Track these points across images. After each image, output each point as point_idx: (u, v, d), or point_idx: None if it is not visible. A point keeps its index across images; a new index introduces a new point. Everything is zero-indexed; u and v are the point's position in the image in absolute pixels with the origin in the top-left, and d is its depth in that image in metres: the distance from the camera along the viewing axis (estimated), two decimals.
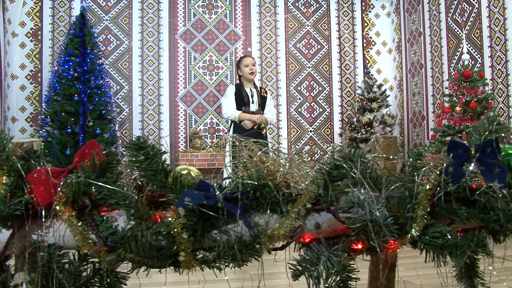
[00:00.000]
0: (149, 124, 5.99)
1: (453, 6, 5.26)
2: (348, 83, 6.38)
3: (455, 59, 5.27)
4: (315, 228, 0.90)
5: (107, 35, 5.89)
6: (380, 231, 0.85)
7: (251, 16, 6.25)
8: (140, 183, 0.89)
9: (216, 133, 6.16)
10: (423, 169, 0.90)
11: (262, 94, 4.61)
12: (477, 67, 4.91)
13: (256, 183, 0.84)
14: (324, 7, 6.36)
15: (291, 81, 6.28)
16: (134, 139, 0.83)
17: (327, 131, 6.33)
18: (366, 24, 6.41)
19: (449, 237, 0.88)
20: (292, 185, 0.88)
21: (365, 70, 6.27)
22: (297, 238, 0.89)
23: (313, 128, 6.30)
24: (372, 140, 0.98)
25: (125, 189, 0.85)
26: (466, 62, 4.43)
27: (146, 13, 6.02)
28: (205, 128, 6.12)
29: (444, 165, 0.92)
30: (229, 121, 4.64)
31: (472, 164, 0.91)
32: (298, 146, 6.19)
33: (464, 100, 4.33)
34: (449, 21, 5.34)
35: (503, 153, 1.01)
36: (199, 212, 0.85)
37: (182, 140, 6.07)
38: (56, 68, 5.35)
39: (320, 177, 0.87)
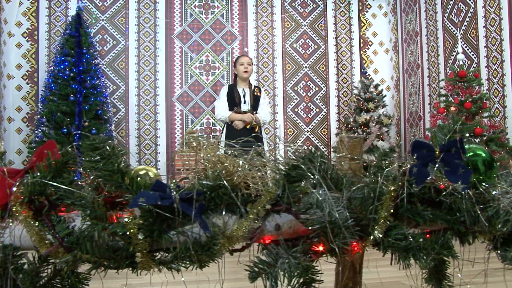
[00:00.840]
0: (146, 124, 5.99)
1: (450, 6, 5.23)
2: (345, 83, 6.36)
3: (451, 59, 5.24)
4: (275, 230, 0.88)
5: (104, 35, 5.89)
6: (340, 232, 0.83)
7: (248, 16, 6.23)
8: (98, 184, 0.88)
9: (213, 133, 6.15)
10: (386, 169, 0.89)
11: (255, 93, 4.60)
12: (473, 67, 4.89)
13: (211, 184, 0.82)
14: (321, 7, 6.34)
15: (288, 81, 6.26)
16: (90, 139, 0.82)
17: (324, 131, 6.31)
18: (363, 24, 6.39)
19: (411, 239, 0.86)
20: (252, 185, 0.86)
21: (362, 70, 6.25)
22: (257, 240, 0.87)
23: (309, 128, 6.28)
24: (337, 139, 0.96)
25: (82, 189, 0.84)
26: (461, 62, 4.40)
27: (142, 13, 6.02)
28: (201, 129, 6.12)
29: (409, 165, 0.91)
30: (222, 122, 4.64)
31: (437, 165, 0.89)
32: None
33: (459, 100, 4.30)
34: (446, 21, 5.32)
35: (471, 153, 1.00)
36: (156, 213, 0.84)
37: (178, 140, 6.07)
38: (52, 68, 5.35)
39: (280, 178, 0.86)
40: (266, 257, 0.83)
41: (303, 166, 0.81)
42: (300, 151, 0.83)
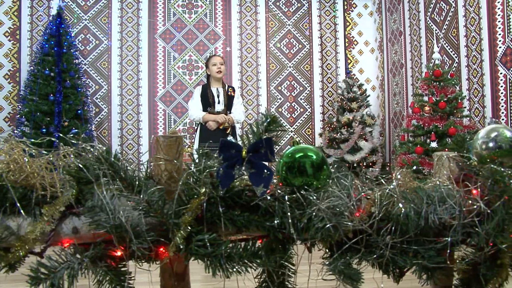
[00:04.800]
0: (128, 124, 6.00)
1: (432, 5, 5.13)
2: (329, 83, 6.29)
3: (433, 59, 5.13)
4: (73, 233, 0.85)
5: (86, 35, 5.91)
6: (127, 237, 0.79)
7: (232, 16, 6.20)
8: None
9: (195, 133, 6.12)
10: (188, 171, 0.85)
11: (229, 93, 4.57)
12: (454, 66, 4.78)
13: None
14: (306, 6, 6.27)
15: (272, 81, 6.21)
16: None
17: (308, 131, 6.25)
18: (348, 24, 6.30)
19: (209, 248, 0.82)
20: (48, 187, 0.83)
21: (346, 70, 6.17)
22: (52, 243, 0.84)
23: (294, 128, 6.22)
24: (155, 139, 0.93)
25: None
26: (436, 61, 4.30)
27: (125, 12, 6.03)
28: (184, 128, 6.10)
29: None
30: (196, 123, 4.62)
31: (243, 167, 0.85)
32: (280, 145, 6.11)
33: (433, 100, 4.21)
34: (428, 20, 5.21)
35: (301, 154, 0.95)
36: None
37: None
38: (32, 67, 5.38)
39: (72, 179, 0.83)
40: (49, 262, 0.80)
41: (83, 168, 0.77)
42: (96, 150, 0.80)
